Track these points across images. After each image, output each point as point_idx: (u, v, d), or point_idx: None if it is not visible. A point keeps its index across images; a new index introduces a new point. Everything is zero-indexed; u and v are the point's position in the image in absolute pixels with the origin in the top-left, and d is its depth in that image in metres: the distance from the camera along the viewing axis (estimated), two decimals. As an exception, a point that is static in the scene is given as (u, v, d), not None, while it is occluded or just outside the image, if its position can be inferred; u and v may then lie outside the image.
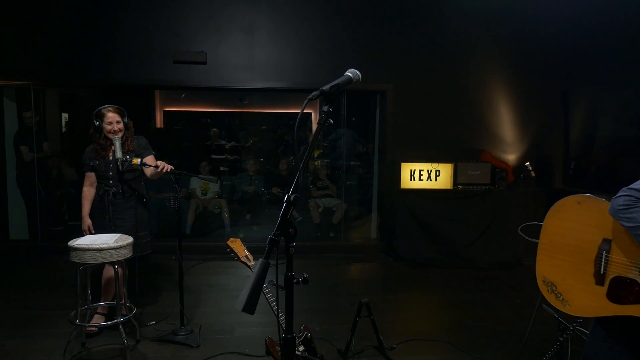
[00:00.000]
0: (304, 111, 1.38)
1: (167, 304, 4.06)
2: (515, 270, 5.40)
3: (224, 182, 7.55)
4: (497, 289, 4.73)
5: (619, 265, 1.65)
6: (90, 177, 3.58)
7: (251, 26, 5.73)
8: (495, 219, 5.53)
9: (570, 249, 1.78)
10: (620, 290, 1.63)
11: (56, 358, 3.07)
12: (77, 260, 2.97)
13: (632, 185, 1.67)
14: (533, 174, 5.74)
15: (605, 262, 1.68)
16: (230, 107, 9.29)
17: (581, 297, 1.72)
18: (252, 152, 8.59)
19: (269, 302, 2.45)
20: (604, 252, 1.69)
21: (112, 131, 3.45)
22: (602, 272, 1.68)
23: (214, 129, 8.95)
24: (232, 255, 2.68)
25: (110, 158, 3.49)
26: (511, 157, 5.97)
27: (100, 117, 3.48)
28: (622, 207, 1.62)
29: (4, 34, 5.44)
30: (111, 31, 5.56)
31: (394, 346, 3.31)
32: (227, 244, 2.71)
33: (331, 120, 1.44)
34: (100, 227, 3.50)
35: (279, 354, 2.37)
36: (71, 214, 6.80)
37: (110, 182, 3.50)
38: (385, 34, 5.84)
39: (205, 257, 5.54)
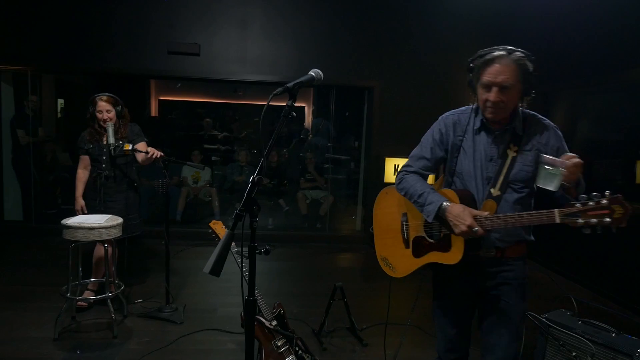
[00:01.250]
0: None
1: (155, 285, 4.29)
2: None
3: (215, 172, 7.76)
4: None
5: (413, 228, 2.08)
6: (85, 160, 3.80)
7: (244, 20, 5.93)
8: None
9: (389, 228, 2.23)
10: (418, 247, 2.06)
11: (47, 330, 3.28)
12: (69, 238, 3.19)
13: (404, 163, 2.14)
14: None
15: (406, 229, 2.12)
16: (225, 98, 9.48)
17: (401, 262, 2.16)
18: (245, 143, 8.78)
19: (240, 271, 2.68)
20: (404, 222, 2.13)
21: (102, 119, 3.66)
22: (406, 237, 2.12)
23: (207, 119, 9.13)
24: (214, 236, 2.91)
25: (104, 143, 3.70)
26: (492, 156, 6.20)
27: (94, 104, 3.69)
28: (397, 183, 2.08)
29: (3, 20, 5.61)
30: (108, 20, 5.74)
31: (364, 327, 3.56)
32: (209, 226, 2.94)
33: (294, 114, 1.66)
34: (92, 208, 3.72)
35: (255, 329, 2.60)
36: (64, 198, 7.00)
37: (103, 165, 3.71)
38: (375, 32, 6.05)
39: (194, 242, 5.76)
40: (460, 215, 1.76)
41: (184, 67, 5.89)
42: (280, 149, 8.23)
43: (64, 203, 6.96)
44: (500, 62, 1.73)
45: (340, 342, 3.41)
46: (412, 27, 6.02)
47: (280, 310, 2.78)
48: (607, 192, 1.55)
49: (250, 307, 1.60)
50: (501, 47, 1.78)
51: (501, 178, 1.86)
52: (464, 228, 1.74)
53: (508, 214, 1.76)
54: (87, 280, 3.76)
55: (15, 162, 6.21)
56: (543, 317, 2.85)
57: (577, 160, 1.64)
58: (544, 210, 1.66)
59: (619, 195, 1.53)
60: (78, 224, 3.18)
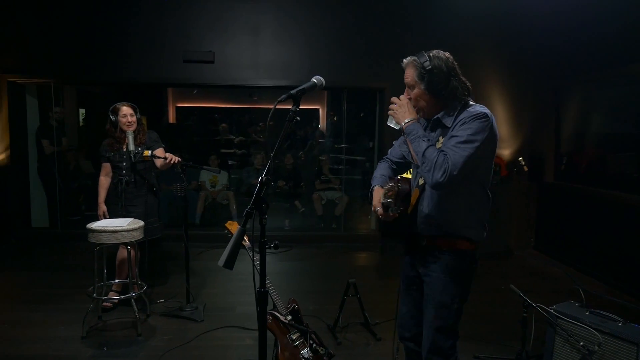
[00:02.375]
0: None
1: (175, 285, 4.46)
2: (506, 260, 5.69)
3: (232, 176, 7.94)
4: (485, 276, 5.02)
5: None
6: (106, 168, 3.99)
7: (256, 26, 6.08)
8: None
9: None
10: None
11: (75, 329, 3.47)
12: (94, 241, 3.37)
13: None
14: (525, 168, 6.01)
15: None
16: (240, 103, 9.67)
17: None
18: (261, 146, 8.94)
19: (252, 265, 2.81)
20: None
21: (126, 123, 3.85)
22: None
23: (223, 125, 9.32)
24: (230, 236, 3.04)
25: (124, 150, 3.89)
26: (505, 152, 6.25)
27: (116, 112, 3.89)
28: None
29: (27, 35, 5.87)
30: (125, 32, 5.96)
31: (378, 322, 3.66)
32: (225, 226, 3.09)
33: (298, 118, 1.79)
34: (113, 213, 3.90)
35: (270, 323, 2.73)
36: (88, 204, 7.25)
37: (124, 172, 3.89)
38: (385, 33, 6.14)
39: (213, 244, 5.93)
40: (373, 196, 2.10)
41: (200, 74, 6.08)
42: (296, 152, 8.38)
43: (88, 209, 7.21)
44: (406, 68, 1.99)
45: (354, 336, 3.52)
46: (421, 27, 6.09)
47: (294, 306, 2.91)
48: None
49: (262, 298, 1.73)
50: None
51: None
52: (372, 208, 2.06)
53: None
54: (112, 281, 3.94)
55: (41, 171, 6.48)
56: (551, 309, 2.91)
57: (399, 99, 1.98)
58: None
59: (396, 178, 1.95)
60: (102, 228, 3.36)
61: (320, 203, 7.18)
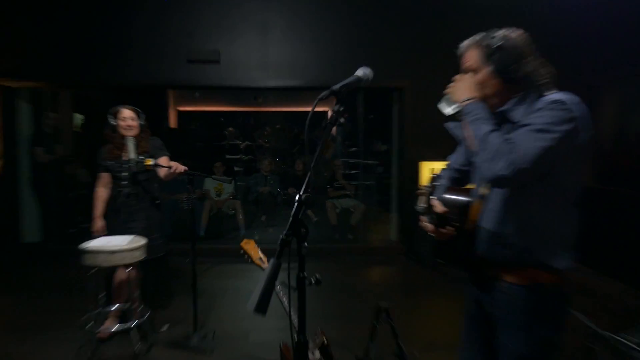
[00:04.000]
0: (316, 109, 1.40)
1: (181, 308, 4.09)
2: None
3: (238, 183, 7.61)
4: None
5: None
6: (104, 178, 3.65)
7: (264, 25, 5.77)
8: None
9: None
10: None
11: (69, 362, 3.12)
12: (89, 263, 3.02)
13: None
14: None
15: None
16: (245, 106, 9.37)
17: None
18: (268, 151, 8.64)
19: (283, 306, 2.45)
20: None
21: (126, 127, 3.51)
22: None
23: (230, 129, 9.03)
24: (246, 258, 2.69)
25: (124, 159, 3.55)
26: (537, 155, 5.88)
27: (116, 114, 3.56)
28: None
29: (19, 37, 5.58)
30: (124, 32, 5.66)
31: (416, 353, 3.28)
32: (240, 246, 2.72)
33: (343, 120, 1.45)
34: (112, 229, 3.55)
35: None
36: (85, 216, 6.91)
37: (124, 182, 3.55)
38: (403, 29, 5.82)
39: (220, 259, 5.58)
40: None
41: (204, 75, 5.76)
42: (303, 156, 8.06)
43: (85, 222, 6.88)
44: (464, 52, 1.71)
45: (387, 370, 3.14)
46: (442, 22, 5.76)
47: (323, 339, 2.54)
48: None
49: (302, 350, 1.37)
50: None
51: None
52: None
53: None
54: (109, 308, 3.58)
55: (34, 181, 6.16)
56: (620, 337, 2.56)
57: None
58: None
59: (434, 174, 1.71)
60: (99, 248, 3.01)
61: (334, 212, 6.83)
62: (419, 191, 1.71)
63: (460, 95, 1.65)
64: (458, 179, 1.90)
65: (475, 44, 1.66)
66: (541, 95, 1.57)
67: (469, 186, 1.83)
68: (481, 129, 1.52)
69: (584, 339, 2.57)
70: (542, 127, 1.45)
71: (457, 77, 1.69)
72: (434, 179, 1.67)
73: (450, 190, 1.74)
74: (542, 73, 1.60)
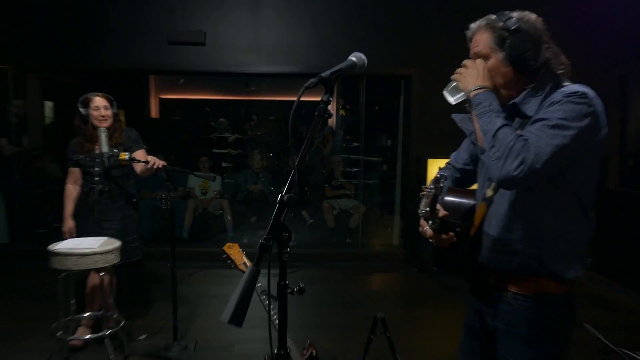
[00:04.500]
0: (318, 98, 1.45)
1: (160, 317, 4.17)
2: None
3: (226, 180, 7.67)
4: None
5: None
6: (74, 173, 3.70)
7: (256, 2, 5.81)
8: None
9: None
10: None
11: (36, 375, 3.20)
12: (58, 267, 3.08)
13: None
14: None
15: None
16: (235, 94, 9.40)
17: None
18: (259, 145, 8.68)
19: (268, 315, 2.52)
20: None
21: (99, 117, 3.56)
22: None
23: (221, 119, 9.06)
24: (229, 263, 2.76)
25: (97, 152, 3.60)
26: (557, 153, 5.93)
27: (86, 103, 3.60)
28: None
29: (-19, 13, 5.63)
30: (99, 10, 5.70)
31: (414, 368, 3.36)
32: (223, 250, 2.78)
33: (330, 111, 1.50)
34: (84, 230, 3.61)
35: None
36: (56, 215, 6.97)
37: (96, 179, 3.59)
38: (411, 12, 5.86)
39: (204, 264, 5.64)
40: None
41: (188, 59, 5.81)
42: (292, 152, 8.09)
43: (56, 221, 6.94)
44: (474, 34, 1.68)
45: (384, 386, 3.21)
46: (454, 4, 5.79)
47: (312, 352, 2.61)
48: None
49: (282, 363, 1.43)
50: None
51: None
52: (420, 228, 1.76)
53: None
54: (81, 315, 3.66)
55: (-1, 176, 6.22)
56: (637, 355, 2.63)
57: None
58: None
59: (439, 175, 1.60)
60: (68, 250, 3.07)
61: (331, 213, 6.90)
62: (422, 193, 1.66)
63: (468, 83, 1.62)
64: (460, 179, 1.94)
65: (487, 25, 1.63)
66: (557, 87, 1.58)
67: (472, 187, 1.88)
68: (491, 124, 1.50)
69: (597, 355, 2.63)
70: (558, 122, 1.45)
71: (466, 62, 1.66)
72: (438, 179, 1.62)
73: (451, 192, 1.76)
74: (559, 62, 1.62)
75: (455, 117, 1.87)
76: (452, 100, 1.69)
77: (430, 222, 1.54)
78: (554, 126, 1.44)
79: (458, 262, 1.75)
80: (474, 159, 1.91)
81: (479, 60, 1.63)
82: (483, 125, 1.53)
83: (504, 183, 1.50)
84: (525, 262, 1.59)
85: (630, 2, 5.27)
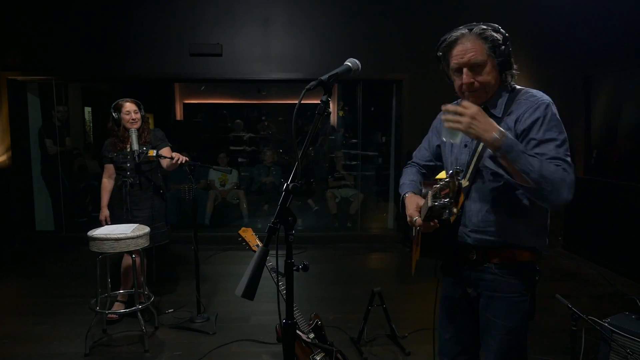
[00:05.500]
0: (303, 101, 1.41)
1: (185, 293, 4.16)
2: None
3: (242, 174, 7.64)
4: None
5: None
6: (109, 169, 3.69)
7: (266, 18, 5.76)
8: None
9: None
10: (418, 242, 1.83)
11: (79, 343, 3.19)
12: (96, 250, 3.08)
13: None
14: (553, 162, 5.63)
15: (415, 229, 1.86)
16: (249, 98, 9.35)
17: (413, 260, 2.00)
18: (270, 143, 8.65)
19: (279, 291, 2.50)
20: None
21: (130, 121, 3.54)
22: (414, 234, 1.91)
23: (238, 120, 9.03)
24: (244, 245, 2.74)
25: (128, 150, 3.58)
26: (531, 146, 5.86)
27: (118, 108, 3.58)
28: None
29: (26, 31, 5.60)
30: (130, 26, 5.67)
31: (406, 335, 3.33)
32: (238, 234, 2.77)
33: (330, 110, 1.47)
34: (118, 218, 3.61)
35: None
36: (95, 206, 6.99)
37: (128, 173, 3.59)
38: (403, 22, 5.79)
39: (224, 247, 5.63)
40: (407, 205, 1.71)
41: (207, 68, 5.77)
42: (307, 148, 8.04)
43: (95, 211, 6.96)
44: (464, 41, 1.56)
45: (381, 350, 3.19)
46: (441, 15, 5.71)
47: (317, 322, 2.59)
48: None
49: (290, 331, 1.41)
50: (462, 26, 1.59)
51: (472, 167, 1.62)
52: (408, 218, 1.66)
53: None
54: (116, 292, 3.66)
55: (44, 172, 6.22)
56: (605, 322, 2.59)
57: (468, 107, 1.41)
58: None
59: (454, 170, 1.29)
60: (104, 236, 3.06)
61: (334, 201, 6.86)
62: (436, 185, 1.46)
63: (487, 131, 1.40)
64: (424, 174, 1.95)
65: (480, 34, 1.55)
66: (514, 90, 1.61)
67: (440, 176, 1.87)
68: (532, 164, 1.40)
69: (568, 323, 2.59)
70: (559, 137, 1.49)
71: (459, 108, 1.43)
72: (458, 172, 1.37)
73: (427, 184, 1.80)
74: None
75: (423, 144, 2.00)
76: (458, 141, 1.55)
77: (447, 210, 1.36)
78: (562, 142, 1.49)
79: (442, 245, 1.74)
80: (436, 155, 1.93)
81: (470, 105, 1.43)
82: (521, 166, 1.40)
83: (559, 207, 1.49)
84: (505, 239, 1.63)
85: (594, 8, 5.18)
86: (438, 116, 1.88)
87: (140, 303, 3.30)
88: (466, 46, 1.54)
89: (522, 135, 1.53)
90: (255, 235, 2.79)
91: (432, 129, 1.96)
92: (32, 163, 6.09)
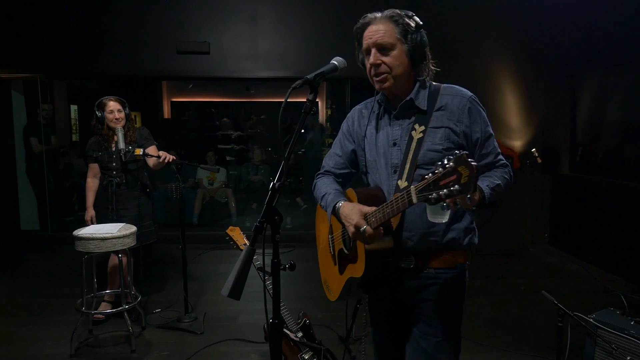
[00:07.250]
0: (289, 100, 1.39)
1: (173, 292, 4.12)
2: (521, 257, 5.37)
3: (230, 172, 7.60)
4: (502, 276, 4.72)
5: (337, 240, 1.77)
6: (94, 169, 3.63)
7: (254, 15, 5.72)
8: (501, 206, 5.50)
9: (323, 245, 1.92)
10: (341, 261, 1.73)
11: (64, 344, 3.14)
12: (81, 250, 3.03)
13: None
14: (539, 160, 5.69)
15: (331, 244, 1.82)
16: (237, 96, 9.31)
17: (334, 282, 1.81)
18: (259, 141, 8.62)
19: (268, 291, 2.48)
20: (330, 236, 1.84)
21: (114, 120, 3.49)
22: (332, 253, 1.82)
23: (225, 119, 8.97)
24: (232, 244, 2.72)
25: (113, 149, 3.53)
26: (517, 144, 5.91)
27: (102, 107, 3.52)
28: (313, 190, 1.85)
29: (11, 28, 5.49)
30: (116, 23, 5.59)
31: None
32: (226, 232, 2.75)
33: (315, 109, 1.45)
34: (104, 217, 3.55)
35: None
36: (81, 205, 6.90)
37: (114, 172, 3.54)
38: (389, 21, 5.79)
39: (212, 245, 5.59)
40: (348, 214, 1.50)
41: (195, 66, 5.72)
42: (297, 146, 8.02)
43: (81, 210, 6.86)
44: (375, 22, 1.56)
45: (370, 348, 3.15)
46: (430, 13, 5.70)
47: (305, 320, 2.59)
48: (456, 152, 1.19)
49: (276, 331, 1.40)
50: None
51: (407, 166, 1.53)
52: (352, 229, 1.46)
53: (385, 204, 1.40)
54: (102, 292, 3.61)
55: (29, 171, 6.12)
56: (590, 318, 2.61)
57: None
58: (404, 192, 1.32)
59: (463, 152, 1.17)
60: (90, 235, 3.02)
61: (323, 199, 6.84)
62: (437, 170, 1.25)
63: (473, 202, 1.20)
64: (341, 183, 1.81)
65: (392, 18, 1.54)
66: (431, 86, 1.61)
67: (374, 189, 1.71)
68: (500, 187, 1.53)
69: (553, 318, 2.61)
70: (492, 131, 1.61)
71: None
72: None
73: (363, 192, 1.65)
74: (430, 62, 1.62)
75: (334, 149, 1.90)
76: (446, 219, 1.50)
77: (468, 197, 1.17)
78: (493, 133, 1.61)
79: (389, 254, 1.57)
80: (351, 161, 1.81)
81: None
82: (498, 197, 1.54)
83: None
84: (447, 242, 1.58)
85: (579, 7, 5.23)
86: (348, 117, 1.82)
87: (127, 303, 3.26)
88: (377, 27, 1.54)
89: (470, 137, 1.55)
90: (243, 234, 2.77)
91: (343, 132, 1.83)
92: (17, 162, 5.98)
